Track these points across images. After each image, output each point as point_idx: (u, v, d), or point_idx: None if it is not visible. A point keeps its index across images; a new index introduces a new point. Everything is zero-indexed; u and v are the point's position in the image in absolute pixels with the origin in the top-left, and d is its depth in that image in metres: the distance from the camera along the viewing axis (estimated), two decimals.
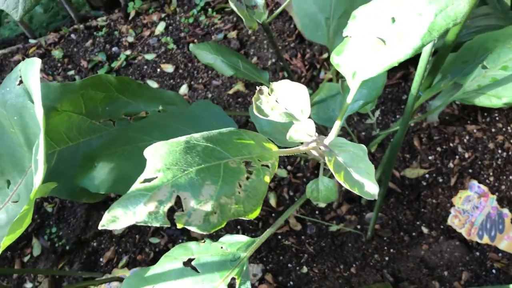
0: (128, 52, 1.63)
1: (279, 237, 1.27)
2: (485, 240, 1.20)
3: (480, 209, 1.23)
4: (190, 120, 0.64)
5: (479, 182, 1.27)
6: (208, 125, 0.64)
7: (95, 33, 1.70)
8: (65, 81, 1.57)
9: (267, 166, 0.38)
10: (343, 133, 1.30)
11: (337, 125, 0.53)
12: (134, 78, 1.56)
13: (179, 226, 0.31)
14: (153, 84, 1.52)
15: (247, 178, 0.35)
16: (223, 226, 0.33)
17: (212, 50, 0.80)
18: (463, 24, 0.65)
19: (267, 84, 0.82)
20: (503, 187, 1.26)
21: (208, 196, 0.32)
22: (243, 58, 0.81)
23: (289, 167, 1.38)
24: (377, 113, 1.23)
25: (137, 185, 0.33)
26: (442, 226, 1.24)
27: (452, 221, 1.23)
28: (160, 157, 0.35)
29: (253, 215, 0.35)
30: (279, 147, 0.59)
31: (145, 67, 1.57)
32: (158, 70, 1.56)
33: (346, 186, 0.43)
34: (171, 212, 0.32)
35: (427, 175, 1.30)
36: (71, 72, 1.61)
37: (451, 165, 1.30)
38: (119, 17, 1.72)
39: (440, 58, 0.73)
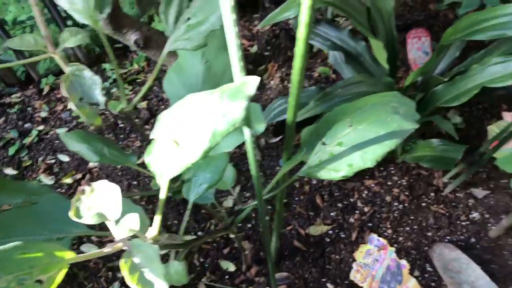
0: (40, 127, 1.64)
1: None
2: None
3: (380, 262, 1.28)
4: (37, 217, 0.66)
5: (379, 235, 1.32)
6: (54, 221, 0.66)
7: (8, 110, 1.71)
8: None
9: (43, 280, 0.40)
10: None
11: (157, 220, 0.56)
12: (45, 153, 1.56)
13: None
14: (65, 158, 1.53)
15: None
16: None
17: (79, 138, 0.83)
18: (296, 111, 0.71)
19: (134, 166, 0.86)
20: (400, 238, 1.32)
21: None
22: (110, 144, 0.84)
23: (199, 233, 1.39)
24: (237, 188, 1.29)
25: None
26: (346, 282, 1.27)
27: (354, 276, 1.27)
28: None
29: None
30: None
31: (57, 141, 1.59)
32: None
33: None
34: None
35: (330, 231, 1.35)
36: None
37: (352, 220, 1.36)
38: (33, 93, 1.74)
39: (289, 137, 0.78)
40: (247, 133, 0.62)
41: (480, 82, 1.10)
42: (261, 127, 0.71)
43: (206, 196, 0.87)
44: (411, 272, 1.27)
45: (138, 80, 1.69)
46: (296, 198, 1.41)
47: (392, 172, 1.42)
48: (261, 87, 1.58)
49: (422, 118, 1.24)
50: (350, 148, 0.73)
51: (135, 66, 1.73)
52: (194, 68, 0.94)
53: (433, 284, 1.25)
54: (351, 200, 1.39)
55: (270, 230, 1.36)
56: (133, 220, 0.53)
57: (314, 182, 1.42)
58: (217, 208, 0.88)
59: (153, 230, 0.56)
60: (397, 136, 0.72)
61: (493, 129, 1.38)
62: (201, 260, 1.35)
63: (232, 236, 1.08)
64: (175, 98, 0.92)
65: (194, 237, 1.40)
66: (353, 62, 1.29)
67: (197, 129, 0.50)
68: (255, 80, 0.49)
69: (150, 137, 0.55)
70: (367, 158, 0.71)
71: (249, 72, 1.62)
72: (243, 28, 1.69)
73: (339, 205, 1.38)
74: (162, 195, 0.54)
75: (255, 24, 1.73)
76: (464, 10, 1.26)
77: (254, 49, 1.66)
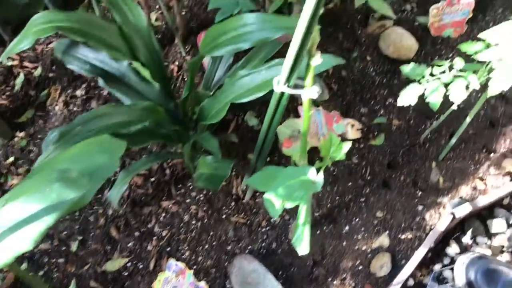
0: None
1: None
2: None
3: None
4: None
5: (177, 260, 1.26)
6: None
7: None
8: None
9: None
10: None
11: None
12: None
13: None
14: None
15: None
16: None
17: None
18: None
19: None
20: (200, 258, 1.27)
21: None
22: None
23: None
24: None
25: None
26: None
27: None
28: None
29: None
30: None
31: None
32: None
33: None
34: None
35: (128, 264, 1.27)
36: None
37: (149, 247, 1.29)
38: None
39: None
40: None
41: (231, 98, 1.05)
42: None
43: None
44: None
45: None
46: (92, 234, 1.31)
47: (190, 187, 1.36)
48: (45, 115, 1.44)
49: (193, 136, 1.19)
50: (8, 230, 0.64)
51: None
52: None
53: None
54: (149, 226, 1.31)
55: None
56: None
57: (110, 212, 1.33)
58: None
59: None
60: (56, 210, 0.63)
61: (282, 129, 1.36)
62: None
63: None
64: None
65: None
66: (118, 84, 1.20)
67: None
68: None
69: None
70: (24, 241, 0.63)
71: (31, 98, 1.47)
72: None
73: (136, 233, 1.30)
74: None
75: (40, 43, 1.57)
76: (220, 17, 1.20)
77: (38, 71, 1.50)
